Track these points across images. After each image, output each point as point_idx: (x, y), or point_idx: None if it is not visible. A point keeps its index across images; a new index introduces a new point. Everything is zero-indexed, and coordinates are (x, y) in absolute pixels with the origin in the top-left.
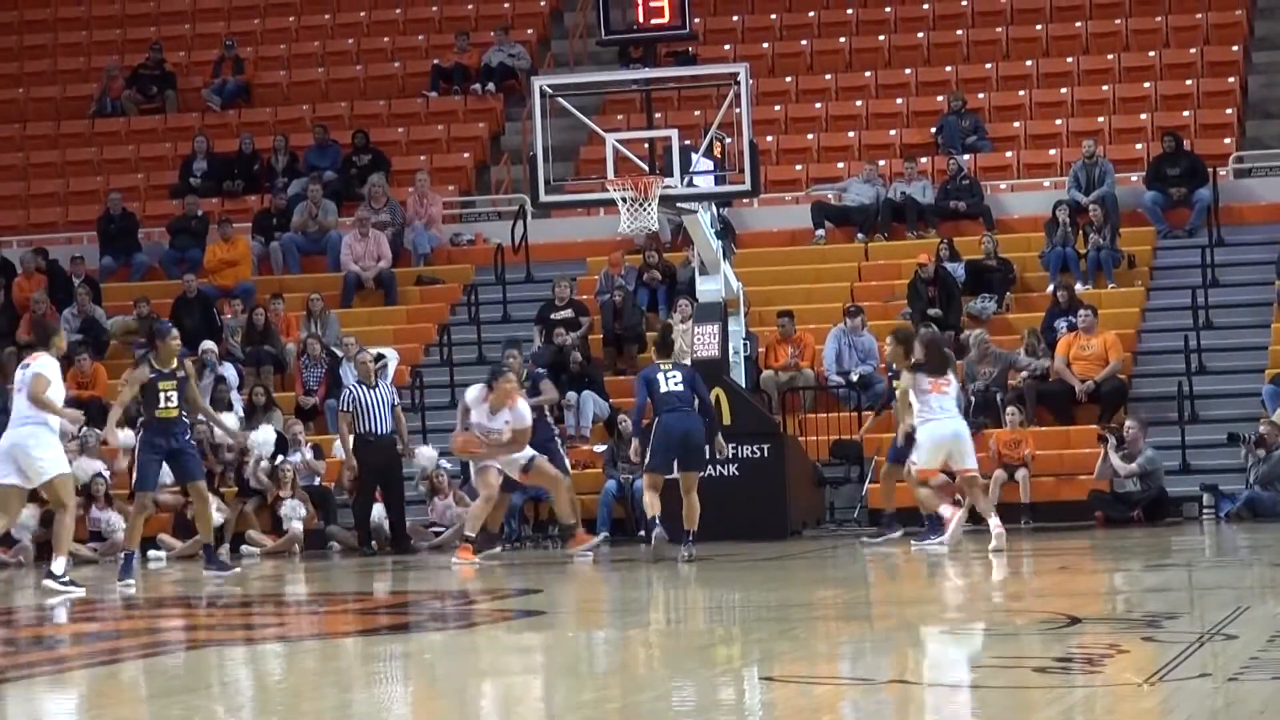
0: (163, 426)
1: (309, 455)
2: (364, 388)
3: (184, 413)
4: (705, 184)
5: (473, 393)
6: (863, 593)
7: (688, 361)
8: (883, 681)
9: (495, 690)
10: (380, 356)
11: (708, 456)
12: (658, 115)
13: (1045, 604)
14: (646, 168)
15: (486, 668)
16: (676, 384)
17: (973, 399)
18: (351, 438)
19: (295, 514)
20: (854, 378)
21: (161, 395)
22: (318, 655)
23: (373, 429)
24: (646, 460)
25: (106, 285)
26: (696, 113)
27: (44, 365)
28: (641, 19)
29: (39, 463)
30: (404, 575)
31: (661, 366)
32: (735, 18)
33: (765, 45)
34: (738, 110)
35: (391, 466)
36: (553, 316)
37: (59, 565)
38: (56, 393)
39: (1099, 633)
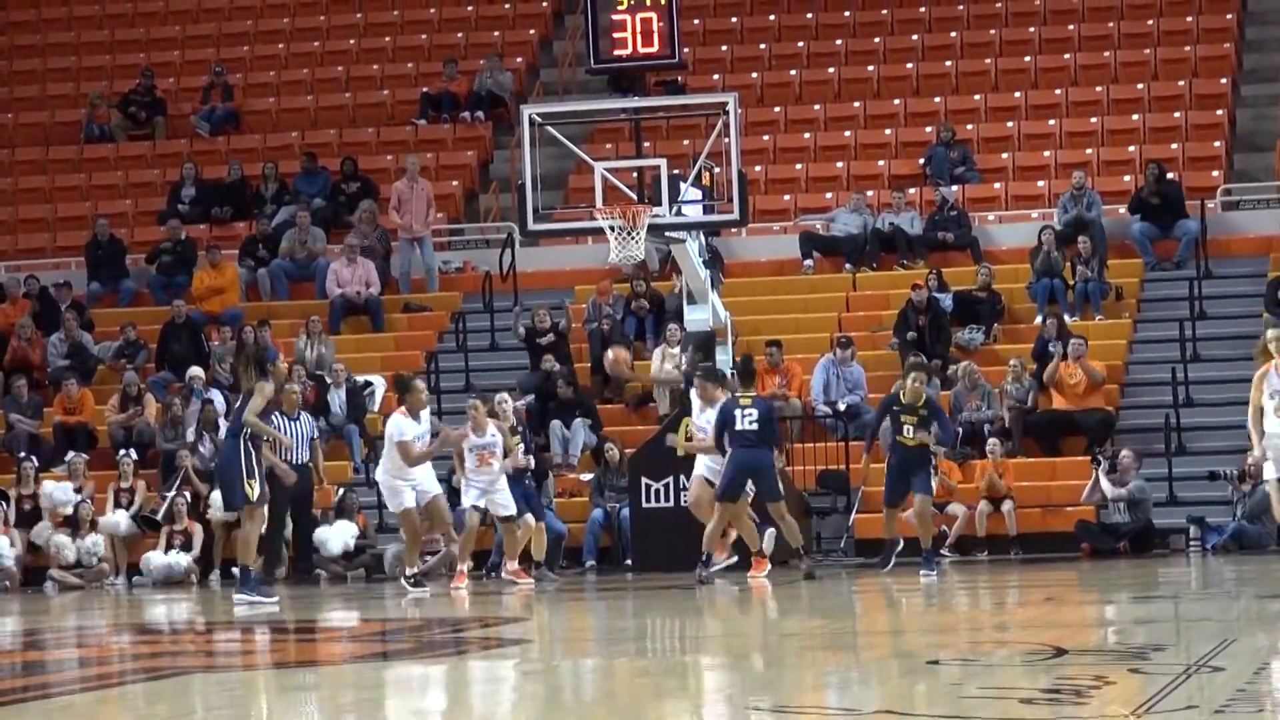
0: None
1: None
2: (285, 418)
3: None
4: (694, 213)
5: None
6: (849, 623)
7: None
8: (869, 712)
9: (489, 718)
10: (367, 384)
11: (780, 485)
12: (646, 144)
13: (1031, 635)
14: (635, 196)
15: (477, 695)
16: (751, 422)
17: (959, 429)
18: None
19: None
20: (841, 407)
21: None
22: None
23: (289, 459)
24: (720, 490)
25: (95, 311)
26: (685, 142)
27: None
28: (631, 48)
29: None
30: (393, 602)
31: (741, 402)
32: (724, 47)
33: (755, 75)
34: (726, 140)
35: (304, 496)
36: (537, 341)
37: None
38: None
39: (1085, 664)
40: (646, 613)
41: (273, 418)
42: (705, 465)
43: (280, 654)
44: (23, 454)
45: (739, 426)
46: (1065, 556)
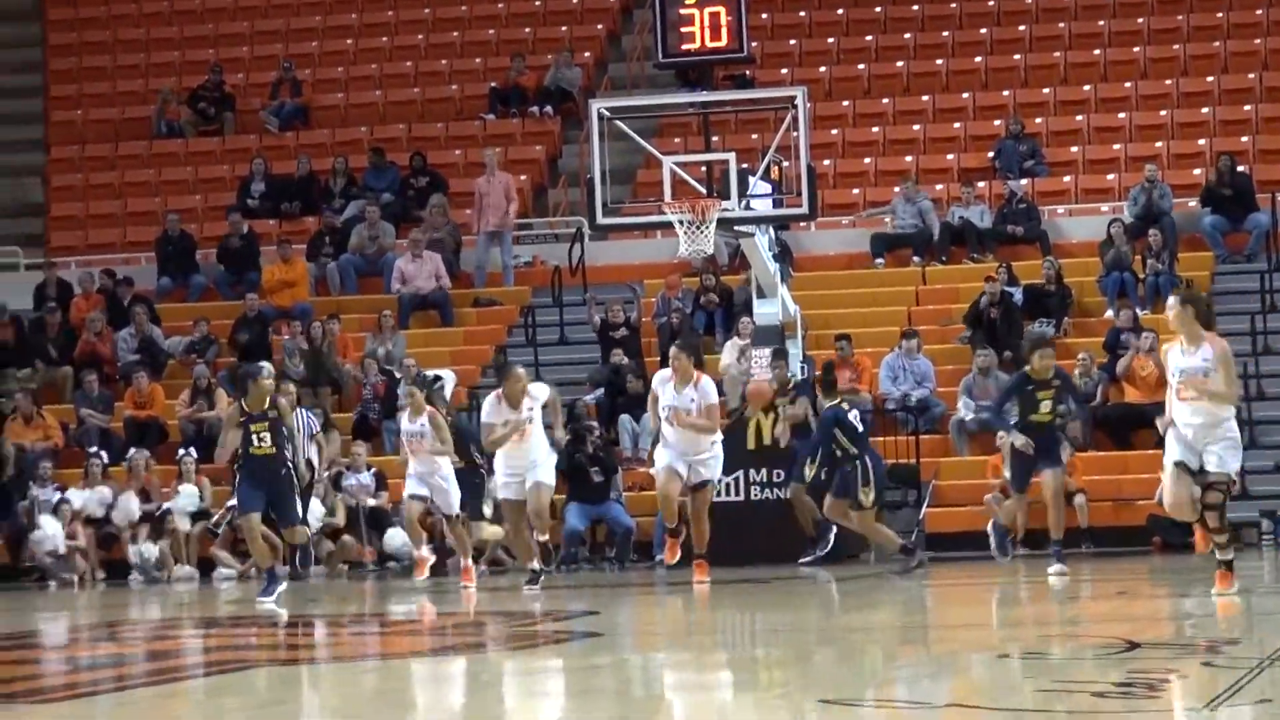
0: (260, 464)
1: (365, 479)
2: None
3: (281, 450)
4: (763, 207)
5: (488, 405)
6: (919, 617)
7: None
8: (940, 706)
9: (554, 713)
10: (437, 378)
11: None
12: (715, 138)
13: (1103, 629)
14: (704, 191)
15: (545, 689)
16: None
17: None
18: None
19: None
20: (911, 401)
21: (254, 437)
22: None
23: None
24: (873, 498)
25: (164, 306)
26: (754, 136)
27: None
28: (699, 42)
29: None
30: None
31: (843, 406)
32: (793, 41)
33: (823, 69)
34: (795, 134)
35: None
36: (610, 335)
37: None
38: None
39: (1158, 658)
40: (716, 607)
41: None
42: (673, 454)
43: (369, 648)
44: (93, 449)
45: (861, 429)
46: (1137, 550)
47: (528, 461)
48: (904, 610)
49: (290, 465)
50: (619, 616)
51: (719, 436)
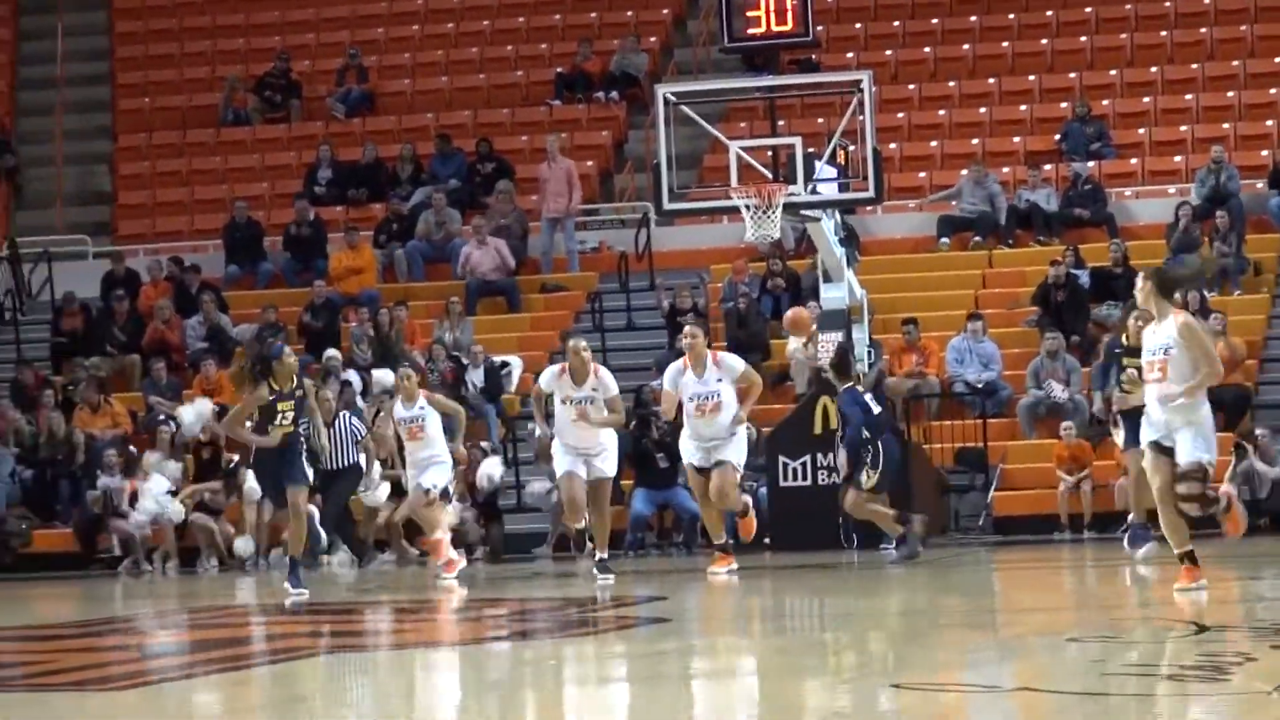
0: (280, 445)
1: None
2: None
3: (301, 429)
4: (829, 191)
5: (547, 373)
6: (987, 601)
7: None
8: (1009, 689)
9: (629, 696)
10: (504, 364)
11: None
12: (781, 123)
13: (1173, 612)
14: (770, 175)
15: (617, 674)
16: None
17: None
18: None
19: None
20: (979, 385)
21: (280, 415)
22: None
23: (330, 464)
24: (875, 483)
25: (232, 293)
26: (820, 120)
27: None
28: (765, 26)
29: None
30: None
31: (856, 388)
32: (858, 25)
33: (889, 53)
34: (861, 117)
35: (346, 490)
36: (678, 319)
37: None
38: None
39: (1227, 641)
40: (783, 591)
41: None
42: (692, 450)
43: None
44: (161, 417)
45: (878, 410)
46: (1205, 533)
47: (594, 444)
48: (973, 594)
49: (304, 439)
50: (686, 602)
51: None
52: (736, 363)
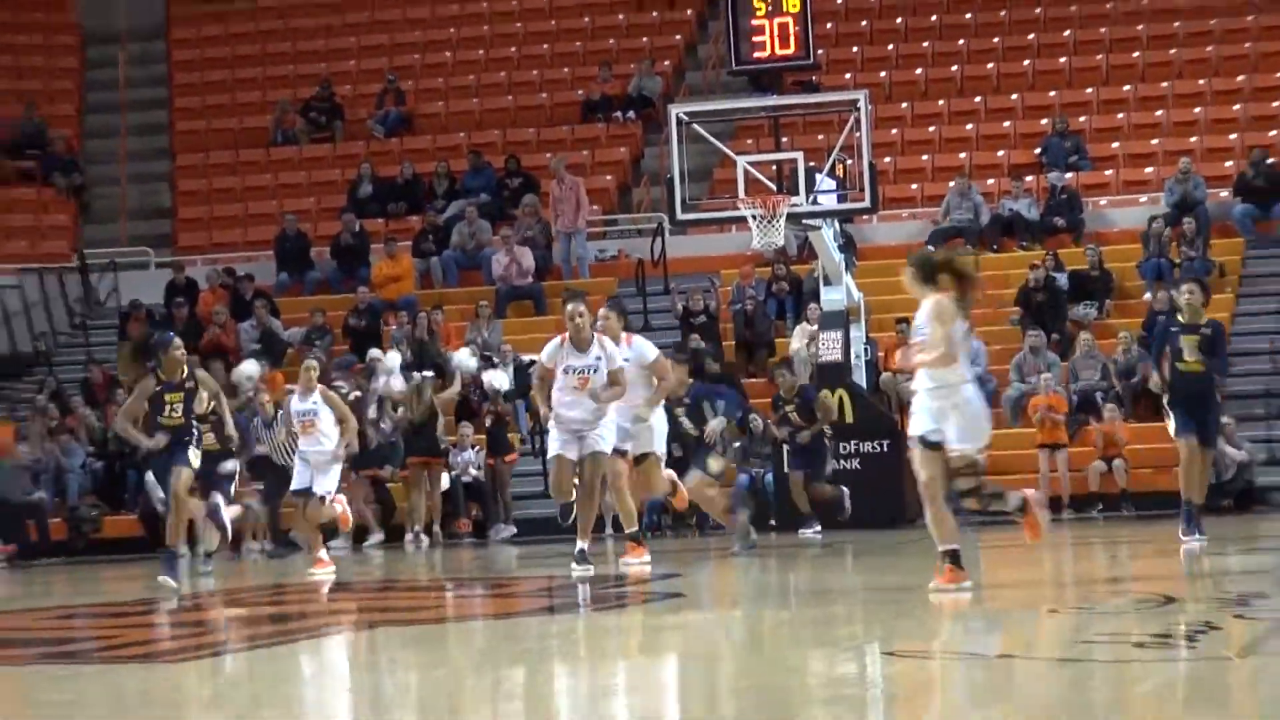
0: (169, 434)
1: (469, 455)
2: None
3: (189, 420)
4: (828, 202)
5: (549, 348)
6: (971, 577)
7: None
8: (994, 656)
9: (645, 667)
10: (533, 362)
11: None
12: (784, 139)
13: (1144, 586)
14: (775, 187)
15: (634, 647)
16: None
17: (1074, 397)
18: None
19: None
20: None
21: (168, 406)
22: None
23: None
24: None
25: (282, 299)
26: (820, 136)
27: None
28: (770, 50)
29: None
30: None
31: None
32: (855, 49)
33: (883, 74)
34: (858, 134)
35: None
36: (691, 321)
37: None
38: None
39: (1193, 611)
40: (788, 569)
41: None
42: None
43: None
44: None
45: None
46: (1173, 513)
47: (591, 417)
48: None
49: (194, 436)
50: (699, 579)
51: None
52: (649, 351)
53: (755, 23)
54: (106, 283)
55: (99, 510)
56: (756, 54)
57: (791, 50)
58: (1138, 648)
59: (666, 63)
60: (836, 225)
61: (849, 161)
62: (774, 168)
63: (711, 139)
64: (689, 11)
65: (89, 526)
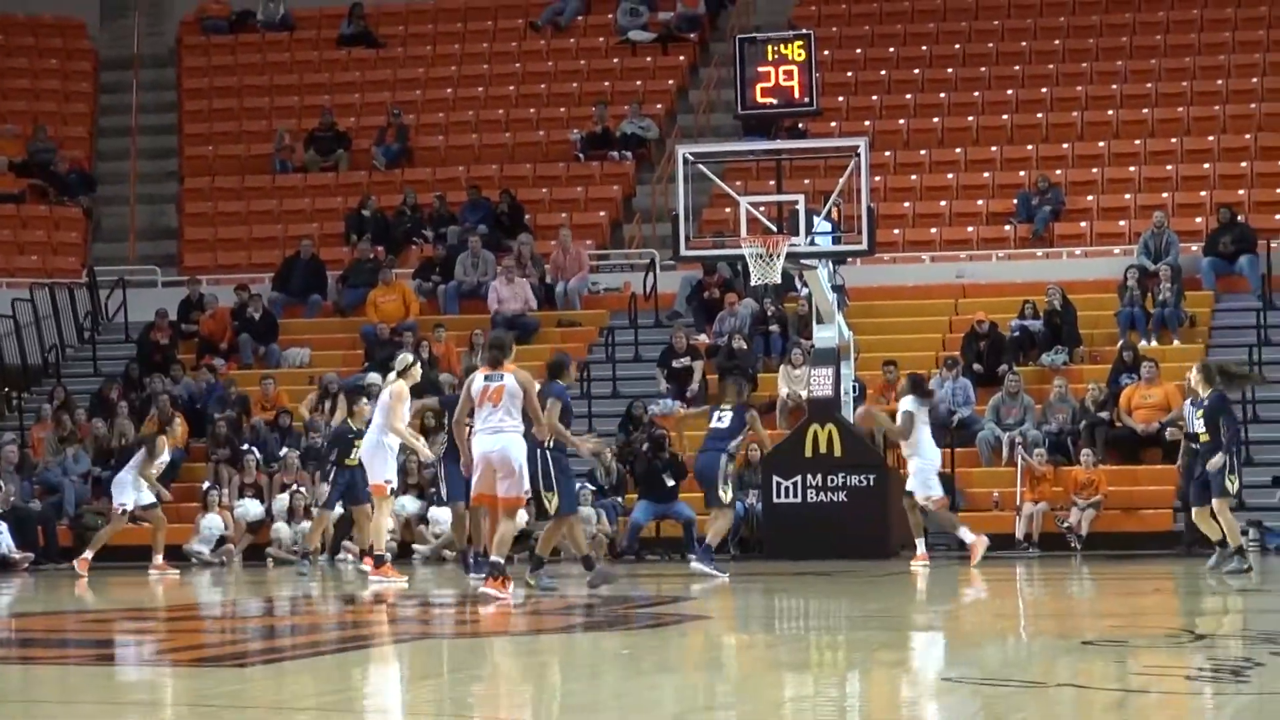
0: None
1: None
2: None
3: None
4: (826, 243)
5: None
6: (951, 606)
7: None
8: (1054, 685)
9: (666, 685)
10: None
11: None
12: (770, 182)
13: (1161, 621)
14: (775, 228)
15: (658, 667)
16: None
17: (1045, 439)
18: None
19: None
20: (952, 422)
21: None
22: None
23: None
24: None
25: (288, 320)
26: (807, 180)
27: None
28: (774, 97)
29: None
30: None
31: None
32: (840, 98)
33: (867, 123)
34: (856, 177)
35: None
36: (674, 363)
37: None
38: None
39: (1228, 647)
40: (790, 595)
41: None
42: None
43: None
44: (245, 446)
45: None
46: (1148, 553)
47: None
48: (940, 600)
49: None
50: (721, 603)
51: None
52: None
53: (761, 69)
54: (114, 300)
55: (101, 519)
56: (763, 99)
57: (795, 97)
58: (1190, 681)
59: (659, 105)
60: (831, 265)
61: (841, 204)
62: (761, 210)
63: (716, 179)
64: (681, 58)
65: (91, 534)
